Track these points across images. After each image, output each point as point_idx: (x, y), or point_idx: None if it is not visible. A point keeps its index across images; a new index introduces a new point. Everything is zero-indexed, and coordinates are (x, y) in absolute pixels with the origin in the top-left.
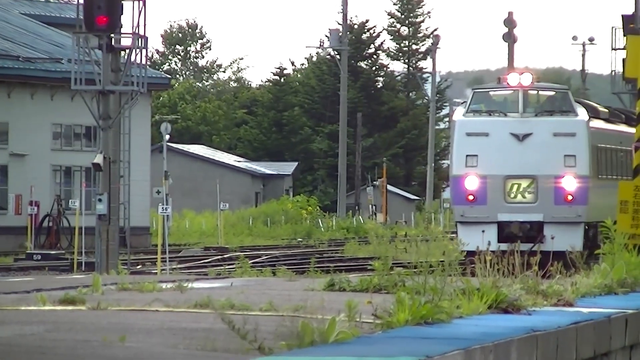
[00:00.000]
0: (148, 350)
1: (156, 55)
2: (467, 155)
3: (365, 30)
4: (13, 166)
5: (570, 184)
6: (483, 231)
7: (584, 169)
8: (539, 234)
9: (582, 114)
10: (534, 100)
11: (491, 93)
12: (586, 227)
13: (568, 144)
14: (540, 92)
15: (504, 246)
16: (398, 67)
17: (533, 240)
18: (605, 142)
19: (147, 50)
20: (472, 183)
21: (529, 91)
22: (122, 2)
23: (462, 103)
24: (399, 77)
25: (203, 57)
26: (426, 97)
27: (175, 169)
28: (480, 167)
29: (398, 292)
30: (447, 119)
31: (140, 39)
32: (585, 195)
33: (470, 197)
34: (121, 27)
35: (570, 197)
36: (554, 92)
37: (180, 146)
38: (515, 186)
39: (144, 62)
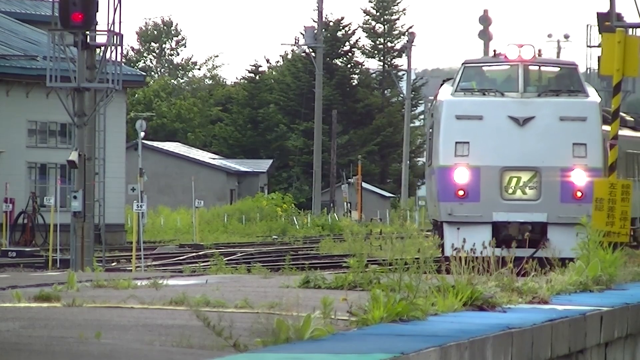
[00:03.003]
0: (124, 347)
1: (131, 53)
2: (456, 143)
3: (341, 27)
4: None
5: (579, 178)
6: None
7: (596, 160)
8: (542, 237)
9: (594, 94)
10: (537, 78)
11: (485, 68)
12: None
13: (577, 130)
14: (544, 68)
15: (499, 251)
16: (373, 64)
17: (535, 244)
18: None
19: (122, 48)
20: (462, 175)
21: (531, 66)
22: None
23: (447, 80)
24: (374, 75)
25: (178, 54)
26: (401, 95)
27: (150, 166)
28: (472, 157)
29: (373, 289)
30: (422, 117)
31: (115, 36)
32: None
33: (460, 193)
34: (96, 24)
35: (579, 194)
36: (560, 68)
37: (155, 143)
38: (514, 180)
39: (119, 59)
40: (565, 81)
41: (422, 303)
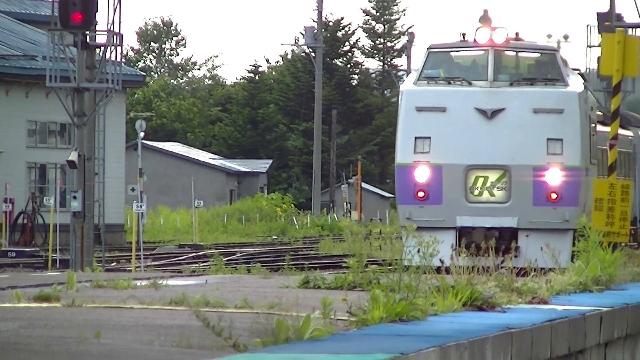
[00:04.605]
0: (123, 347)
1: (131, 53)
2: (416, 138)
3: (340, 27)
4: None
5: (554, 177)
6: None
7: (574, 157)
8: (512, 244)
9: (575, 83)
10: (510, 65)
11: (453, 54)
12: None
13: (553, 123)
14: (520, 54)
15: (464, 260)
16: (373, 64)
17: (504, 252)
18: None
19: (122, 48)
20: (422, 175)
21: (504, 52)
22: None
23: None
24: (374, 75)
25: (178, 54)
26: None
27: (150, 167)
28: (434, 154)
29: (373, 289)
30: None
31: (115, 36)
32: (576, 194)
33: (420, 194)
34: (96, 24)
35: (554, 196)
36: (539, 54)
37: (155, 143)
38: (481, 180)
39: (118, 59)
40: (543, 69)
41: (422, 303)
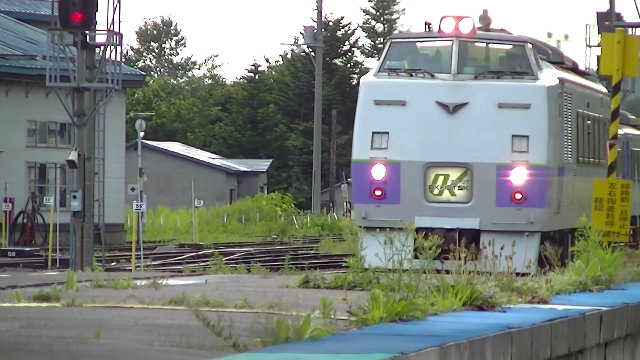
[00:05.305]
0: (123, 347)
1: (131, 52)
2: (373, 133)
3: (340, 27)
4: None
5: (519, 176)
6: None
7: (540, 155)
8: (474, 247)
9: (548, 77)
10: (479, 57)
11: (419, 45)
12: (555, 236)
13: (519, 119)
14: (490, 46)
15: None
16: (373, 64)
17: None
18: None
19: (121, 47)
20: (379, 172)
21: (470, 43)
22: None
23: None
24: None
25: (178, 54)
26: None
27: (149, 166)
28: (391, 151)
29: (372, 289)
30: None
31: (115, 36)
32: (542, 194)
33: (377, 193)
34: (96, 24)
35: (519, 196)
36: (511, 46)
37: (154, 143)
38: (441, 178)
39: (118, 59)
40: (513, 61)
41: (422, 303)
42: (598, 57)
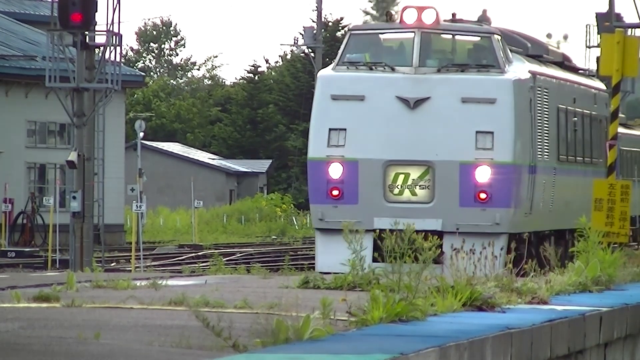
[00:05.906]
0: (123, 347)
1: (130, 53)
2: (330, 130)
3: (340, 27)
4: None
5: (483, 175)
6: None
7: (505, 153)
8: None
9: (515, 70)
10: (443, 49)
11: (382, 37)
12: (529, 238)
13: (483, 115)
14: (457, 38)
15: (382, 267)
16: None
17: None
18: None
19: (121, 48)
20: (336, 171)
21: (434, 34)
22: None
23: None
24: None
25: (177, 54)
26: None
27: (149, 167)
28: (349, 148)
29: (372, 289)
30: None
31: (114, 37)
32: (508, 193)
33: (334, 192)
34: (96, 24)
35: (483, 196)
36: (478, 38)
37: (154, 144)
38: (402, 177)
39: (118, 59)
40: (479, 54)
41: (422, 303)
42: (598, 57)
